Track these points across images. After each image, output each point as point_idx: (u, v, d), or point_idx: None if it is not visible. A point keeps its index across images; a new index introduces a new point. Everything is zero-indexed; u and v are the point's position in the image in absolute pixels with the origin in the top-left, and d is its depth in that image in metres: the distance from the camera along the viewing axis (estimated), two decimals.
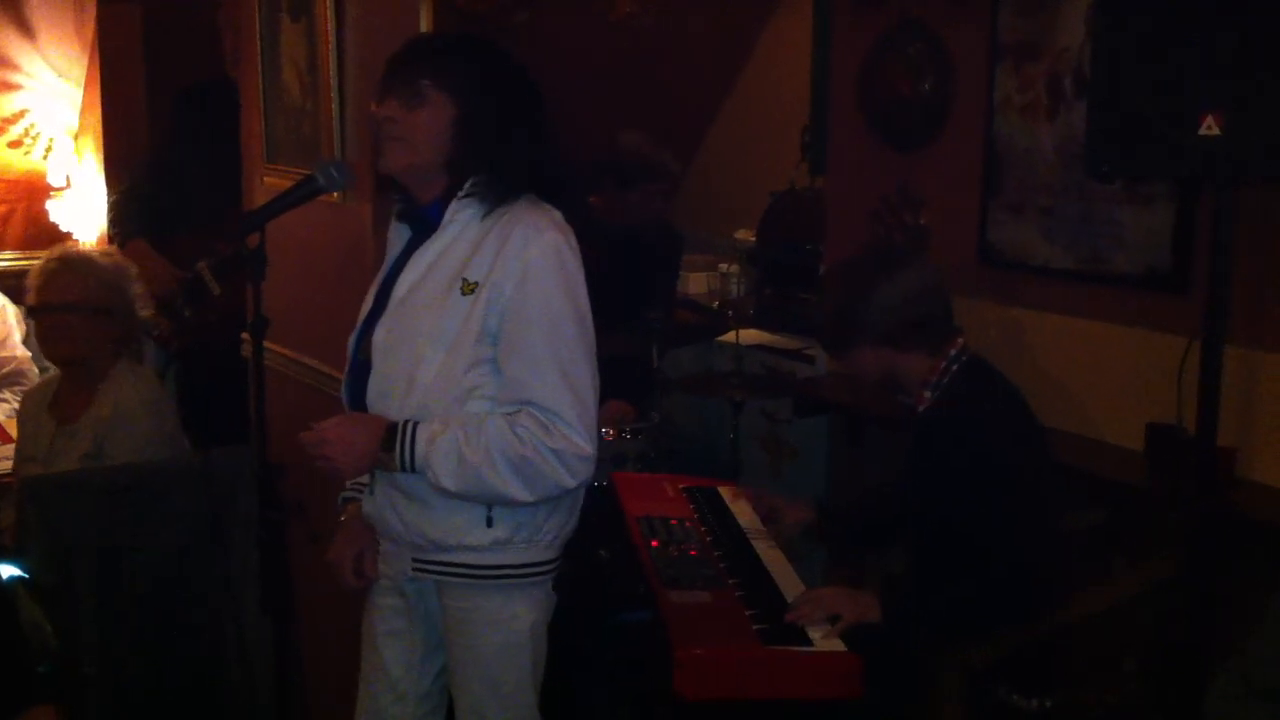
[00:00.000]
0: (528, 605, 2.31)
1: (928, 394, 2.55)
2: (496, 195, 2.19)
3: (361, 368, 2.29)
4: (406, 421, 2.17)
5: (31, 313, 3.38)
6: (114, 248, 3.47)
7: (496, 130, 2.19)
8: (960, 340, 2.57)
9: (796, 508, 2.85)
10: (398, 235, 2.37)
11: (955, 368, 2.54)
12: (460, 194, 2.20)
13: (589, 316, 2.24)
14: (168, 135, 4.72)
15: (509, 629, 2.29)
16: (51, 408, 3.35)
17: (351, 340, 2.36)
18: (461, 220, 2.21)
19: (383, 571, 2.39)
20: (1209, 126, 2.10)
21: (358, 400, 2.29)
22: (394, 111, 2.18)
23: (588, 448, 2.18)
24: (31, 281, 3.33)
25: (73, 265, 3.31)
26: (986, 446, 2.45)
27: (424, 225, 2.28)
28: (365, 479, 2.35)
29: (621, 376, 2.64)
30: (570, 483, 2.20)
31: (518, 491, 2.16)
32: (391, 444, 2.16)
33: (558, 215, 2.23)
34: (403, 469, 2.17)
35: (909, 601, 2.47)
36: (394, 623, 2.42)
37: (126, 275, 3.37)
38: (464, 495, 2.18)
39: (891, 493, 2.82)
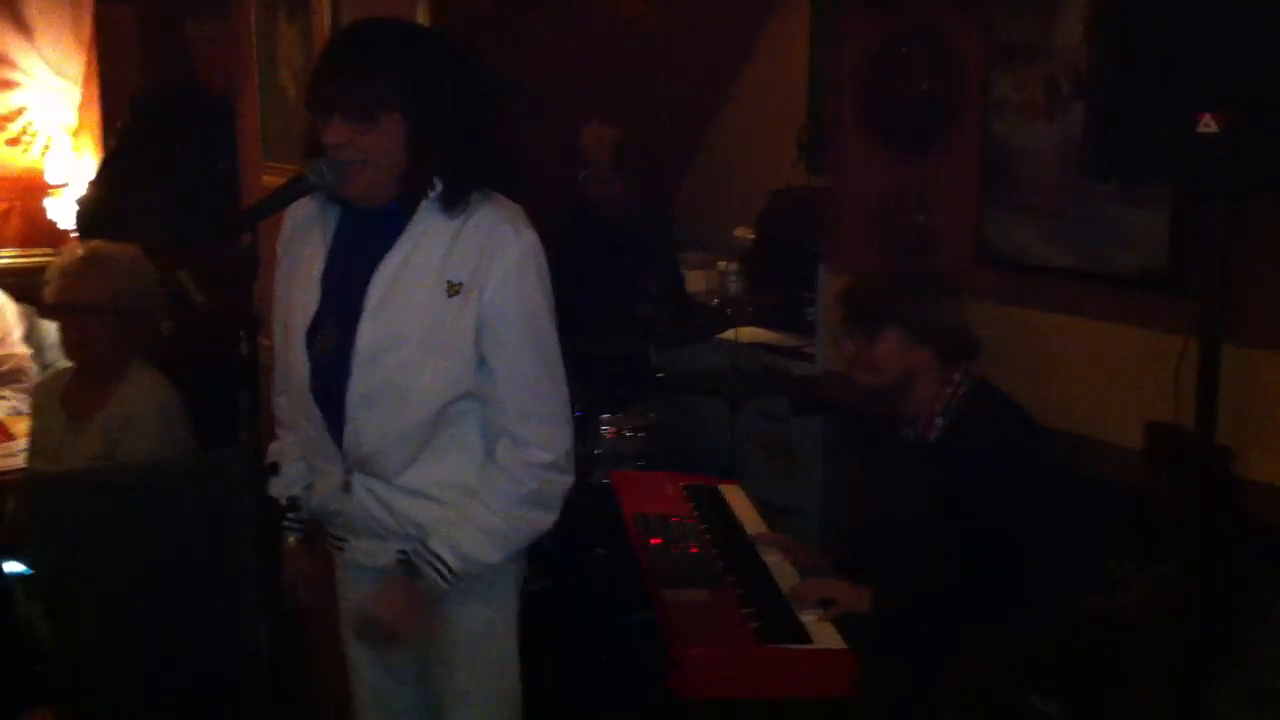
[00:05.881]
0: (515, 574, 2.34)
1: (939, 421, 2.58)
2: (461, 194, 2.16)
3: (324, 367, 2.20)
4: (415, 549, 2.17)
5: (51, 311, 3.26)
6: (136, 246, 3.34)
7: (450, 135, 2.14)
8: (967, 365, 2.62)
9: (816, 555, 2.81)
10: (324, 218, 2.26)
11: (963, 391, 2.58)
12: (430, 196, 2.15)
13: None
14: (120, 140, 4.67)
15: (496, 606, 2.31)
16: (63, 402, 3.29)
17: (300, 336, 2.22)
18: (426, 219, 2.17)
19: (362, 565, 2.34)
20: (1206, 125, 2.10)
21: (330, 405, 2.21)
22: (343, 137, 2.09)
23: (568, 442, 2.23)
24: (52, 279, 3.22)
25: (97, 265, 3.20)
26: (1006, 472, 2.47)
27: (369, 221, 2.21)
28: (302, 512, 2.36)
29: (619, 375, 2.63)
30: (570, 481, 2.23)
31: (546, 520, 2.21)
32: (417, 574, 2.15)
33: (521, 209, 2.22)
34: (448, 582, 2.16)
35: (899, 592, 2.47)
36: None
37: (148, 274, 3.28)
38: (511, 552, 2.23)
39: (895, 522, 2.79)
